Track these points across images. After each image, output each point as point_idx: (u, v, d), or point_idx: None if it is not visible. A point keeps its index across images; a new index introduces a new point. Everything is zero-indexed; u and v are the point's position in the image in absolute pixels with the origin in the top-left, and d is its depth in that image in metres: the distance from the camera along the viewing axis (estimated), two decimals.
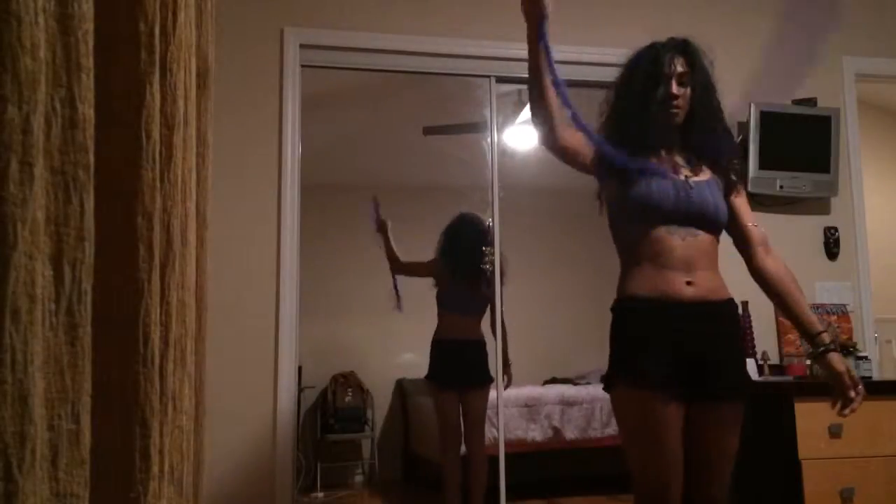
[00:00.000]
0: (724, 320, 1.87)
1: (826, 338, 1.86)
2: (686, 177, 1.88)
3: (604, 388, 1.89)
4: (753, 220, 1.98)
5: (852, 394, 1.82)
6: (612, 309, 1.92)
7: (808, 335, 1.89)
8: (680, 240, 1.82)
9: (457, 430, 3.67)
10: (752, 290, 3.39)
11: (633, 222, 1.88)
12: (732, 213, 1.95)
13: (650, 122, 1.88)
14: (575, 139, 1.90)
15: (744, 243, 1.97)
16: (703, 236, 1.84)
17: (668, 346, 1.78)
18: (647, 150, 1.90)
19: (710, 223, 1.86)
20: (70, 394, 0.78)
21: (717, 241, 1.91)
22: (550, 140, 1.90)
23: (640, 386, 1.77)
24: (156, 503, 0.96)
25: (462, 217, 3.97)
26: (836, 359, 1.84)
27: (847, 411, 1.84)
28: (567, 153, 1.92)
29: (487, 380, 3.65)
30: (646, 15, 3.60)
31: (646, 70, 1.91)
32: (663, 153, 1.92)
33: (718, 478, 1.85)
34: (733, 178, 1.96)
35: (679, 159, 1.92)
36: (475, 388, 3.66)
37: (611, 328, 1.90)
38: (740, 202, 1.97)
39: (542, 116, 1.89)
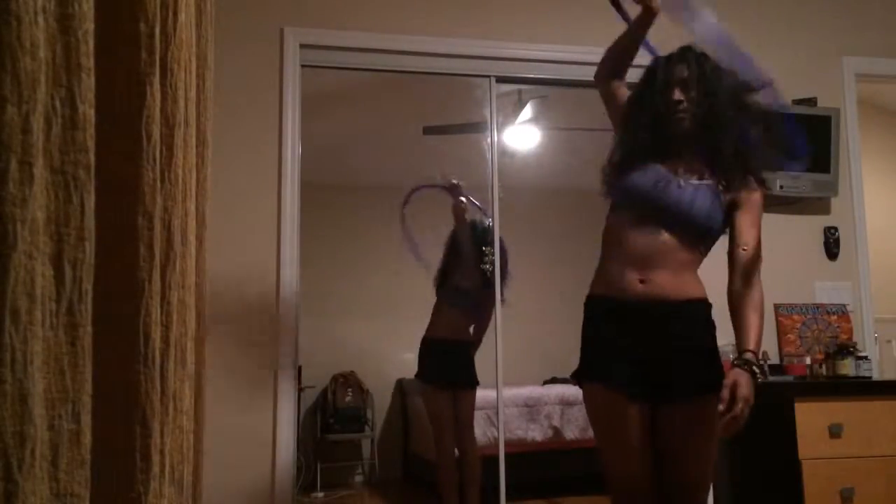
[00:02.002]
0: (681, 320, 1.82)
1: (748, 356, 1.75)
2: (683, 178, 1.86)
3: (577, 384, 1.92)
4: (749, 241, 1.87)
5: (721, 407, 1.66)
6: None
7: (738, 349, 1.80)
8: (640, 235, 1.80)
9: (451, 430, 3.69)
10: None
11: (612, 212, 1.92)
12: (731, 230, 1.90)
13: (659, 130, 1.88)
14: (621, 90, 2.11)
15: (729, 265, 1.90)
16: (667, 237, 1.80)
17: (621, 346, 1.79)
18: (657, 158, 1.89)
19: (681, 223, 1.81)
20: (70, 394, 0.78)
21: (694, 243, 1.84)
22: (606, 71, 2.16)
23: (599, 383, 1.81)
24: (156, 503, 0.96)
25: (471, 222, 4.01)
26: (737, 373, 1.71)
27: (721, 424, 1.70)
28: (609, 90, 2.14)
29: (475, 382, 3.70)
30: None
31: (653, 81, 1.93)
32: (671, 162, 1.90)
33: (694, 477, 1.82)
34: (743, 190, 1.88)
35: (686, 166, 1.89)
36: (466, 390, 3.70)
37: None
38: (742, 221, 1.88)
39: (615, 56, 2.16)
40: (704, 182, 1.86)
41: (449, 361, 3.74)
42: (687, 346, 1.82)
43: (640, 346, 1.78)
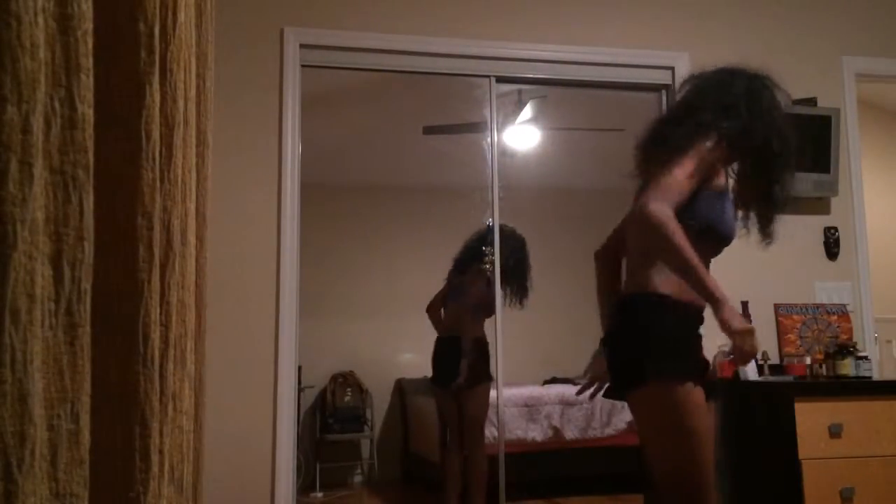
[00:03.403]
0: None
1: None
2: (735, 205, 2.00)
3: (629, 385, 1.80)
4: None
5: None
6: (644, 304, 1.86)
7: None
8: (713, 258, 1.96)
9: (453, 430, 3.66)
10: (751, 291, 3.41)
11: (694, 240, 1.85)
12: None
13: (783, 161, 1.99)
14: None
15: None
16: None
17: (699, 344, 1.90)
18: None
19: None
20: (70, 394, 0.78)
21: None
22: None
23: (691, 380, 1.78)
24: (156, 503, 0.96)
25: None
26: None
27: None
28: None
29: (485, 379, 3.62)
30: (645, 15, 3.61)
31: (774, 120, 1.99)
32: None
33: None
34: None
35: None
36: (472, 388, 3.65)
37: (644, 323, 1.85)
38: None
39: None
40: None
41: (453, 360, 3.72)
42: None
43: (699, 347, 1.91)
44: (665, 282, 1.86)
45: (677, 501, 1.79)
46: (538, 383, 5.21)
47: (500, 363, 3.48)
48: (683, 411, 1.78)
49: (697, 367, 1.83)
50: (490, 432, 3.92)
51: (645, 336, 1.82)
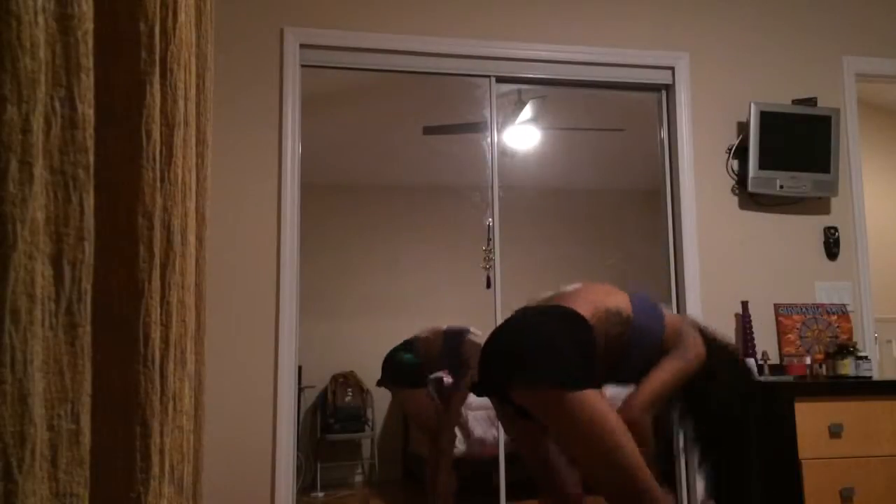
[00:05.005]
0: None
1: None
2: None
3: (571, 387, 1.85)
4: None
5: None
6: (580, 321, 1.98)
7: None
8: None
9: None
10: (751, 291, 3.41)
11: None
12: None
13: None
14: None
15: None
16: None
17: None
18: None
19: None
20: (70, 394, 0.78)
21: None
22: None
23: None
24: (156, 503, 0.96)
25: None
26: None
27: None
28: None
29: (406, 384, 3.75)
30: (645, 15, 3.61)
31: None
32: None
33: None
34: None
35: None
36: (398, 391, 3.79)
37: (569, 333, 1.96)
38: None
39: None
40: None
41: (390, 359, 3.86)
42: None
43: None
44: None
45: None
46: None
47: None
48: (601, 410, 1.89)
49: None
50: (490, 432, 3.93)
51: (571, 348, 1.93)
